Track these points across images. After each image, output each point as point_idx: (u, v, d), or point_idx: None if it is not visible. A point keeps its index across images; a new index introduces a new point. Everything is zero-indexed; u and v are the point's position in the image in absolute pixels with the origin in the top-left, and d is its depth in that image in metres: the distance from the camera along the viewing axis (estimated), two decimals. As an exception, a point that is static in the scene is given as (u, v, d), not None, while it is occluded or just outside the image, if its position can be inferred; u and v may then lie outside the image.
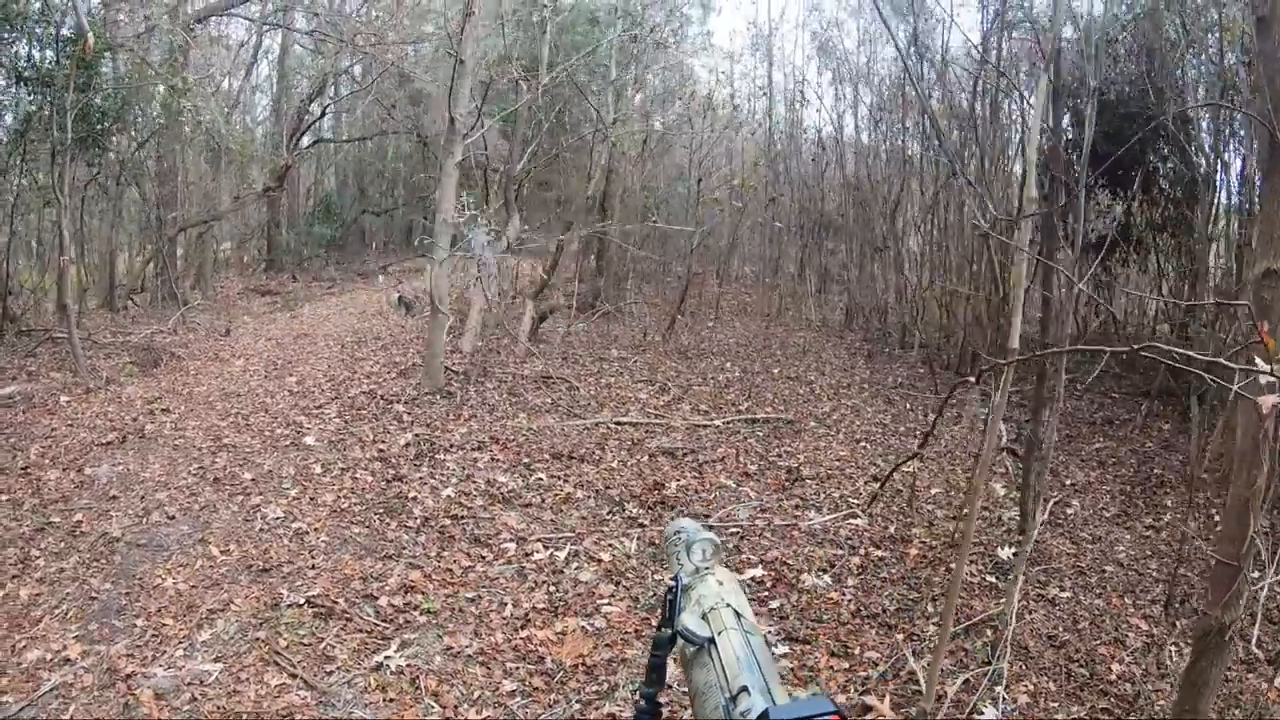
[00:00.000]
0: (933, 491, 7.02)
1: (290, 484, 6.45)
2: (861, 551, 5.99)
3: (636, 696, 1.35)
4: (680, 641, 1.12)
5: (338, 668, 4.25)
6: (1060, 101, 10.77)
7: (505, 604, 4.99)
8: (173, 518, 5.88)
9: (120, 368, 9.74)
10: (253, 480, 6.51)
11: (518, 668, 4.48)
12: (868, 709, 4.35)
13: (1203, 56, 9.59)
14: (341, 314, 13.84)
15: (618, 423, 8.03)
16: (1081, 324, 11.67)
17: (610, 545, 5.71)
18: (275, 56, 18.01)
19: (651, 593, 5.26)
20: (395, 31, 13.52)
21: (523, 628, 4.81)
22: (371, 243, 20.93)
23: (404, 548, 5.52)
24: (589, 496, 6.44)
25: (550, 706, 4.24)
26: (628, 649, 4.76)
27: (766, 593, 5.41)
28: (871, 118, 13.58)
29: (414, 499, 6.22)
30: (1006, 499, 7.05)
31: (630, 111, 12.78)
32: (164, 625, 4.52)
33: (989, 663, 4.86)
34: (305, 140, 17.69)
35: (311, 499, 6.16)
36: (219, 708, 3.85)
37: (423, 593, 5.00)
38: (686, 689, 1.10)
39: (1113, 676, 4.90)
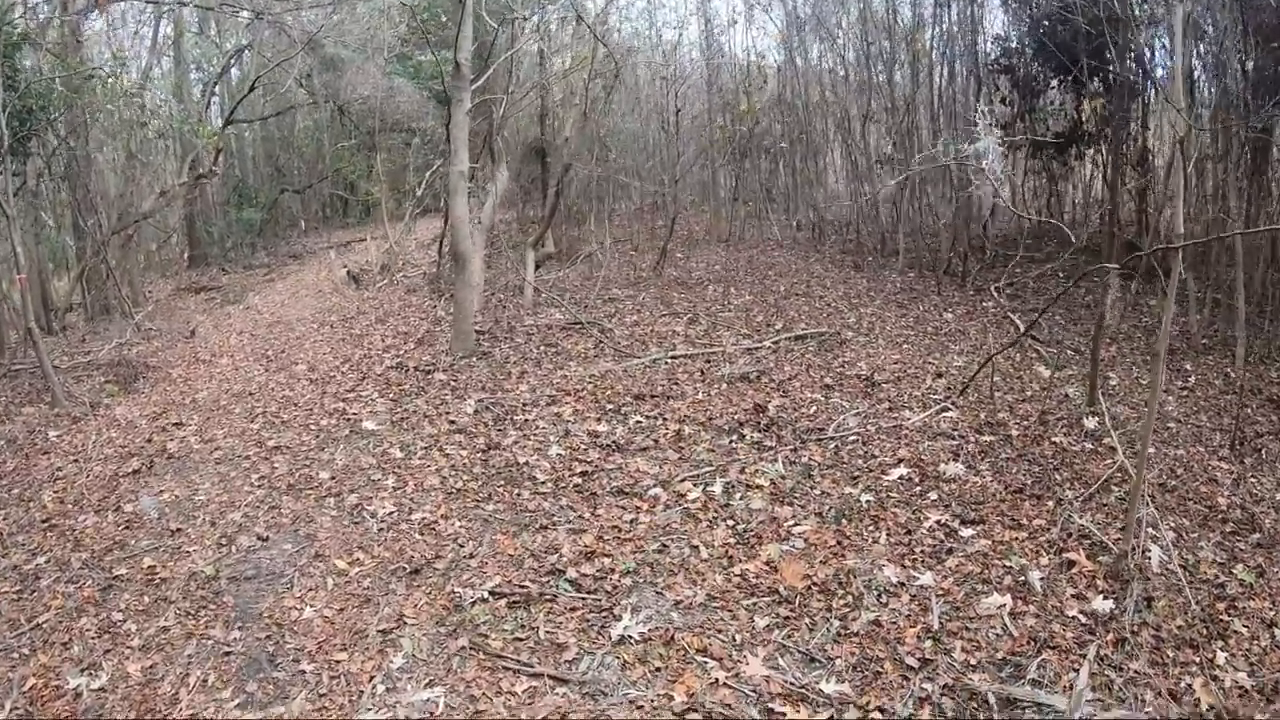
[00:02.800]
0: (996, 379, 6.97)
1: (380, 473, 5.77)
2: (971, 439, 5.91)
3: None
4: None
5: (579, 653, 3.82)
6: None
7: (697, 547, 4.64)
8: (265, 539, 5.10)
9: (99, 389, 8.62)
10: (332, 479, 5.78)
11: (757, 603, 4.17)
12: (1071, 564, 4.48)
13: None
14: (296, 297, 12.74)
15: (673, 357, 7.63)
16: (1037, 214, 11.91)
17: (759, 470, 5.39)
18: (174, 37, 16.13)
19: (830, 507, 4.99)
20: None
21: (730, 565, 4.48)
22: (300, 220, 19.33)
23: (553, 515, 5.04)
24: (700, 430, 6.08)
25: (813, 629, 3.97)
26: (844, 560, 4.51)
27: (921, 488, 5.26)
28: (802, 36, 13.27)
29: (525, 464, 5.70)
30: (1054, 379, 7.08)
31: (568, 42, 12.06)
32: (338, 662, 3.87)
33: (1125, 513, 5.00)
34: (217, 120, 16.05)
35: (417, 485, 5.54)
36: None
37: (608, 555, 4.57)
38: None
39: (1224, 506, 5.18)
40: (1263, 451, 5.91)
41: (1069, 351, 7.81)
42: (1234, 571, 4.53)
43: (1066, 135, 10.78)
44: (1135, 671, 3.80)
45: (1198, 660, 3.89)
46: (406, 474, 5.70)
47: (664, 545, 4.66)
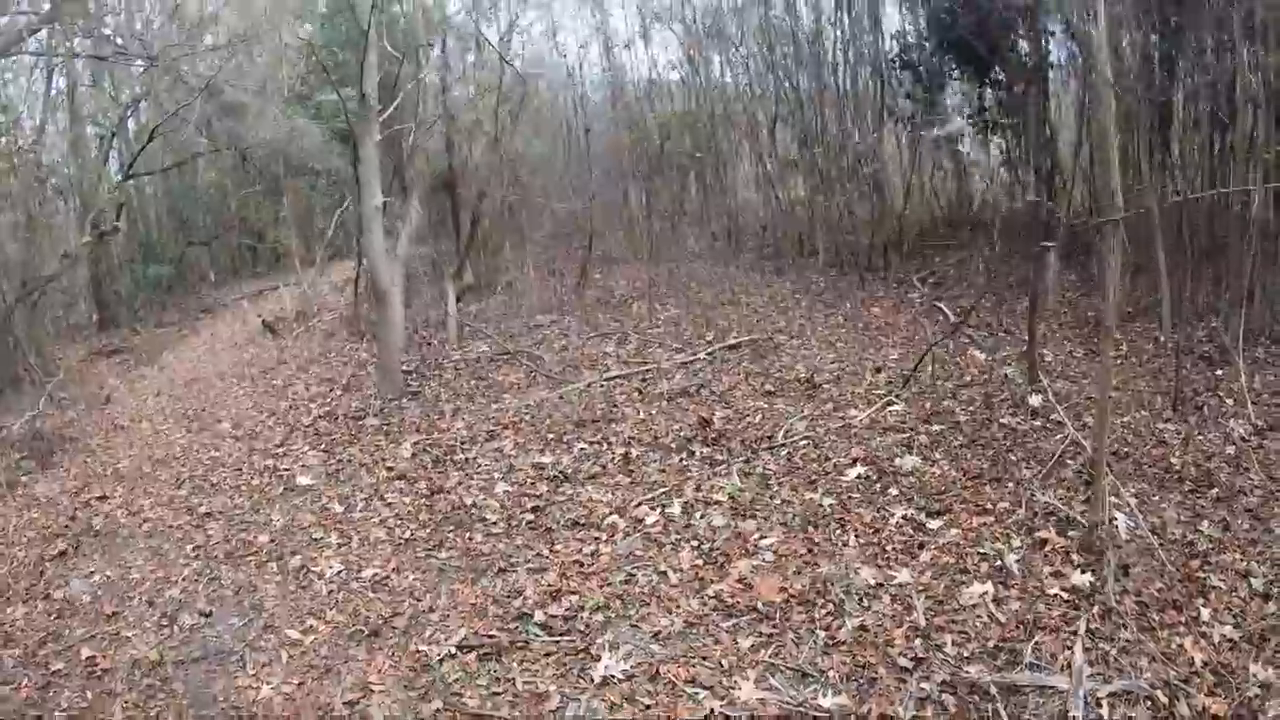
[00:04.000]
0: (929, 370, 6.93)
1: (321, 531, 5.34)
2: (921, 431, 5.83)
3: None
4: None
5: (563, 700, 3.54)
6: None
7: (665, 573, 4.39)
8: (209, 614, 4.64)
9: (14, 467, 7.81)
10: (271, 541, 5.32)
11: (737, 623, 3.95)
12: (1044, 542, 4.44)
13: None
14: (212, 352, 12.01)
15: (608, 379, 7.37)
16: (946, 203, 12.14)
17: (715, 486, 5.17)
18: (67, 90, 15.09)
19: (794, 515, 4.79)
20: (195, 41, 11.67)
21: (703, 587, 4.24)
22: (209, 273, 18.33)
23: (510, 556, 4.72)
24: (647, 450, 5.83)
25: (799, 642, 3.77)
26: (817, 568, 4.32)
27: (880, 485, 5.14)
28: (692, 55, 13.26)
29: (473, 506, 5.36)
30: (990, 362, 7.09)
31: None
32: (308, 738, 3.49)
33: (1090, 484, 4.97)
34: (115, 174, 15.13)
35: (362, 539, 5.14)
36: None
37: (575, 593, 4.28)
38: None
39: (1178, 466, 5.23)
40: (1204, 409, 5.98)
41: (1001, 333, 7.86)
42: (1200, 529, 4.56)
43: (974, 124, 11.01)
44: (1126, 640, 3.76)
45: (1183, 620, 3.89)
46: (350, 528, 5.29)
47: (630, 575, 4.39)
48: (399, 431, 6.80)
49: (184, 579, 5.03)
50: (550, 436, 6.26)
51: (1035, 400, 6.15)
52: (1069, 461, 5.30)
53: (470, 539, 4.92)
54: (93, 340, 14.31)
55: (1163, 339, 7.42)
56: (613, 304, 10.29)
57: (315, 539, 5.19)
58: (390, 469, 6.09)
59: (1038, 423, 5.90)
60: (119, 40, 11.70)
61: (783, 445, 5.67)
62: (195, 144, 15.24)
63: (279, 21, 11.63)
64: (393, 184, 9.12)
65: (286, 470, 6.39)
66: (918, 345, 7.62)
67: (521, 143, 11.40)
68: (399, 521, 5.26)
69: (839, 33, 10.66)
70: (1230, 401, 6.07)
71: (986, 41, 9.13)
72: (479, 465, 5.94)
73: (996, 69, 10.06)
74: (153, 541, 5.67)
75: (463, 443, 6.36)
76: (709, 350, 7.81)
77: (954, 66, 10.84)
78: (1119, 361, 7.06)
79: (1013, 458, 5.45)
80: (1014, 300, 8.71)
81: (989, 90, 10.64)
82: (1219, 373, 6.56)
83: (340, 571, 4.74)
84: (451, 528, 5.09)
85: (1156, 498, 4.95)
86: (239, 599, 4.70)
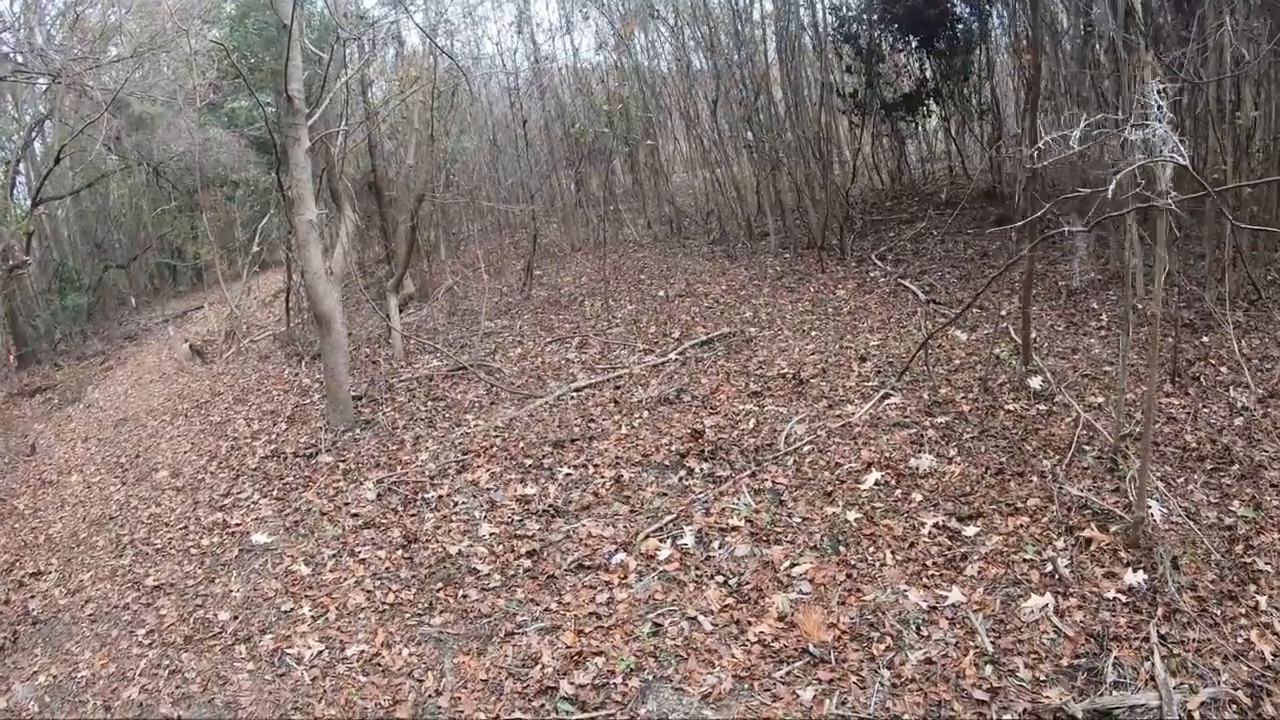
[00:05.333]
0: (921, 354, 6.55)
1: (290, 600, 4.59)
2: (927, 424, 5.44)
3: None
4: None
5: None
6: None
7: (695, 619, 3.86)
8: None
9: None
10: (235, 618, 4.56)
11: (790, 671, 3.46)
12: (1089, 541, 4.11)
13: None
14: (140, 385, 10.90)
15: (577, 390, 6.77)
16: (889, 176, 11.87)
17: (726, 508, 4.65)
18: None
19: (820, 535, 4.31)
20: (98, 54, 10.56)
21: (741, 632, 3.73)
22: (130, 297, 16.89)
23: (514, 614, 4.11)
24: (640, 471, 5.27)
25: (864, 685, 3.33)
26: (861, 595, 3.86)
27: (901, 491, 4.71)
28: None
29: (459, 555, 4.71)
30: (971, 343, 6.77)
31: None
32: None
33: (1113, 470, 4.74)
34: (24, 201, 13.78)
35: (340, 608, 4.42)
36: None
37: (599, 653, 3.71)
38: None
39: (1194, 444, 4.96)
40: (1201, 380, 5.74)
41: (975, 310, 7.52)
42: (1233, 509, 4.32)
43: (914, 95, 10.70)
44: (1196, 641, 3.50)
45: (1242, 610, 3.66)
46: (322, 595, 4.55)
47: (657, 625, 3.85)
48: (358, 469, 6.06)
49: (141, 673, 4.26)
50: (528, 462, 5.63)
51: (1036, 383, 5.82)
52: (1085, 447, 4.98)
53: (464, 597, 4.28)
54: (11, 380, 12.94)
55: (1140, 306, 7.22)
56: (562, 303, 9.66)
57: (285, 612, 4.44)
58: (355, 516, 5.36)
59: (1043, 406, 5.57)
60: (19, 58, 10.49)
61: (786, 453, 5.18)
62: (105, 162, 14.11)
63: (186, 27, 10.59)
64: (319, 193, 8.28)
65: (238, 526, 5.59)
66: (894, 328, 7.25)
67: (449, 140, 10.59)
68: (378, 582, 4.56)
69: (776, 6, 10.15)
70: (1224, 370, 5.85)
71: (931, 10, 8.79)
72: (455, 504, 5.27)
73: (938, 39, 9.76)
74: (99, 627, 4.84)
75: (431, 478, 5.67)
76: (679, 349, 7.26)
77: (897, 37, 10.52)
78: (1104, 333, 6.82)
79: (1028, 447, 5.10)
80: (977, 275, 8.43)
81: (929, 60, 10.35)
82: (1204, 340, 6.34)
83: (321, 652, 4.04)
84: (439, 585, 4.42)
85: (1181, 479, 4.67)
86: (208, 696, 3.97)
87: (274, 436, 7.06)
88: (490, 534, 4.82)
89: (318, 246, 6.45)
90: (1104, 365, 6.19)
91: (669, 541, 4.44)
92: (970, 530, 4.34)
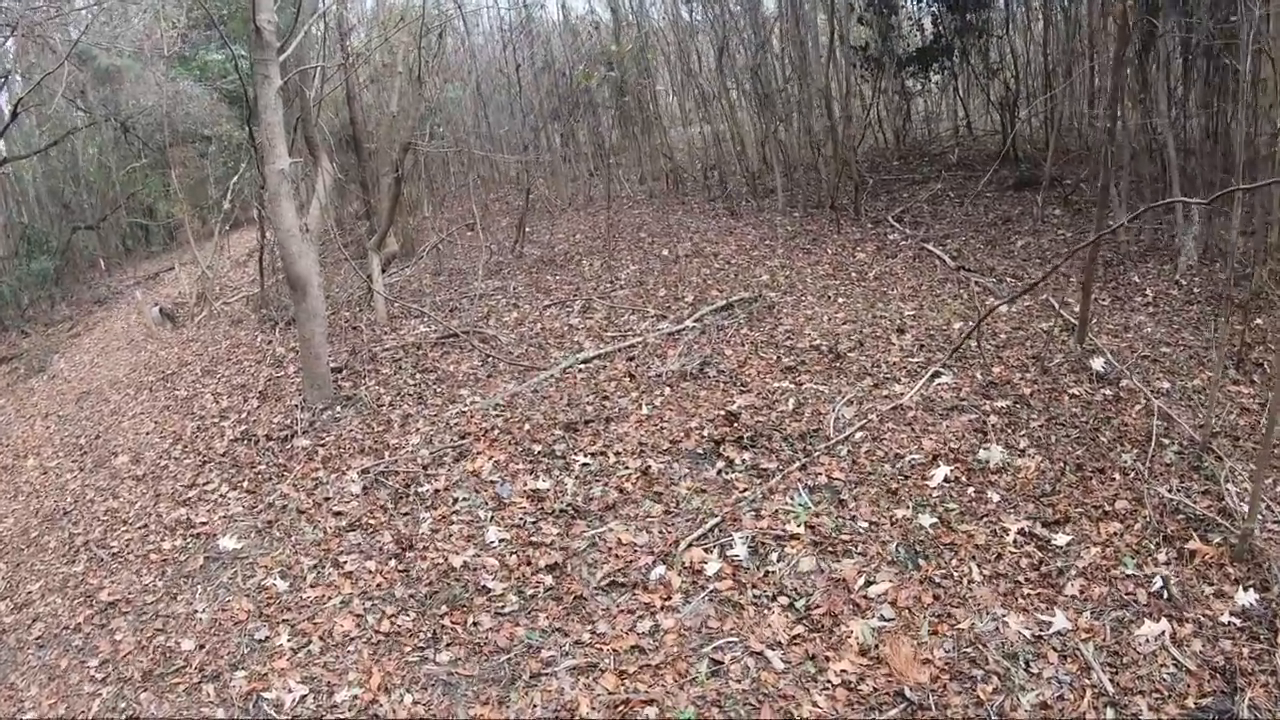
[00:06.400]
0: (955, 327, 5.88)
1: (265, 626, 3.78)
2: (987, 409, 4.78)
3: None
4: None
5: None
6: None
7: (761, 654, 3.19)
8: None
9: None
10: (201, 648, 3.73)
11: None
12: (1192, 554, 3.55)
13: None
14: (106, 353, 9.92)
15: (585, 362, 6.01)
16: (896, 134, 11.14)
17: (780, 509, 3.95)
18: None
19: (894, 543, 3.63)
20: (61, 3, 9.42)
21: (819, 670, 3.06)
22: (100, 259, 15.75)
23: (538, 648, 3.37)
24: (670, 461, 4.53)
25: None
26: (954, 621, 3.21)
27: (974, 489, 4.05)
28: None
29: (465, 568, 3.94)
30: (1013, 315, 6.09)
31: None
32: None
33: (1198, 468, 4.16)
34: None
35: (325, 638, 3.62)
36: None
37: (649, 701, 3.02)
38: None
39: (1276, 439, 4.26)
40: (1264, 366, 5.11)
41: (1008, 279, 6.86)
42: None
43: (928, 50, 9.92)
44: None
45: None
46: (303, 619, 3.76)
47: (716, 664, 3.16)
48: (339, 456, 5.24)
49: (94, 717, 3.48)
50: (536, 449, 4.86)
51: (1098, 364, 5.17)
52: (1164, 440, 4.35)
53: (475, 625, 3.52)
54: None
55: (1183, 282, 6.60)
56: (558, 263, 8.83)
57: (259, 641, 3.64)
58: (339, 514, 4.55)
59: (1108, 391, 4.93)
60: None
61: (837, 442, 4.48)
62: (72, 119, 13.01)
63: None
64: (294, 144, 7.34)
65: (204, 526, 4.75)
66: (927, 296, 6.55)
67: (435, 89, 9.58)
68: (369, 603, 3.78)
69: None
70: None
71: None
72: (455, 501, 4.48)
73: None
74: (46, 654, 4.04)
75: (425, 467, 4.88)
76: (695, 315, 6.50)
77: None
78: (1153, 309, 6.17)
79: (1103, 439, 4.46)
80: (1003, 241, 7.74)
81: (945, 13, 9.56)
82: (1258, 322, 5.71)
83: (304, 697, 3.26)
84: (443, 608, 3.66)
85: (1270, 480, 4.04)
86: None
87: (245, 415, 6.22)
88: (500, 540, 4.06)
89: (291, 201, 5.55)
90: (1160, 346, 5.56)
91: (716, 552, 3.73)
92: (1061, 539, 3.70)
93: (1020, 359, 5.37)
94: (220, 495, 5.09)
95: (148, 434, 6.56)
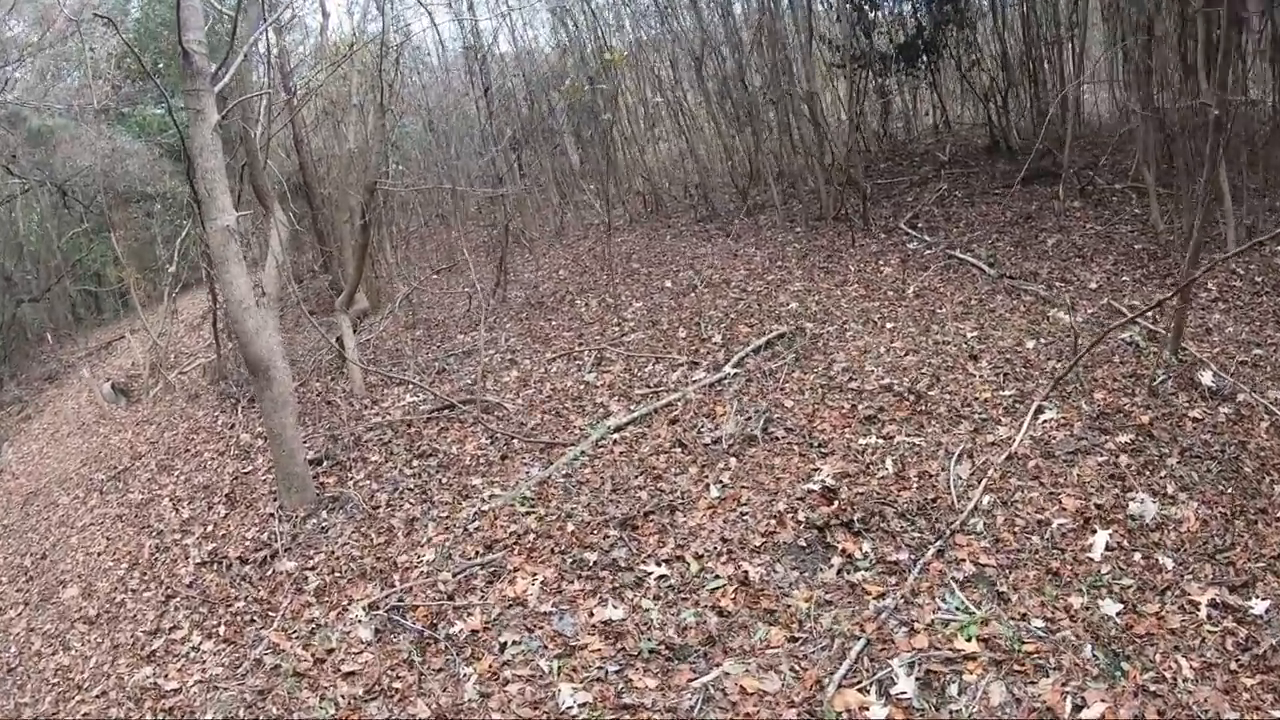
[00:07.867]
0: (1029, 346, 5.19)
1: None
2: (1109, 447, 4.03)
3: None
4: None
5: None
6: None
7: None
8: None
9: None
10: None
11: None
12: None
13: None
14: (57, 439, 8.68)
15: (617, 431, 5.13)
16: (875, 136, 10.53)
17: (935, 620, 3.13)
18: None
19: (1084, 645, 2.84)
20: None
21: None
22: (47, 333, 14.46)
23: None
24: (769, 563, 3.66)
25: None
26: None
27: (1140, 555, 3.36)
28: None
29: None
30: (1080, 327, 5.41)
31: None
32: None
33: None
34: None
35: None
36: None
37: None
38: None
39: None
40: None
41: (1056, 284, 6.20)
42: None
43: (910, 44, 9.29)
44: None
45: None
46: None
47: None
48: (335, 583, 4.21)
49: None
50: (591, 559, 3.93)
51: (1207, 378, 4.50)
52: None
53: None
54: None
55: (1242, 272, 6.03)
56: (549, 304, 7.94)
57: None
58: (350, 675, 3.50)
59: (1227, 409, 4.25)
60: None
61: (969, 514, 3.69)
62: (7, 186, 11.94)
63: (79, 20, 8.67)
64: (240, 193, 6.35)
65: (176, 695, 3.69)
66: (982, 313, 5.84)
67: (393, 122, 8.60)
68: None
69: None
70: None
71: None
72: (502, 647, 3.48)
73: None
74: None
75: (450, 595, 3.89)
76: (732, 359, 5.68)
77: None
78: (1224, 306, 5.57)
79: (1247, 470, 3.78)
80: (1032, 241, 7.09)
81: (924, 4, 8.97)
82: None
83: None
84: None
85: None
86: None
87: (211, 529, 5.15)
88: (580, 705, 3.14)
89: (240, 264, 4.49)
90: (1251, 347, 4.94)
91: (874, 690, 2.89)
92: (1258, 606, 2.98)
93: (1117, 379, 4.68)
94: (192, 647, 4.04)
95: (99, 555, 5.48)
